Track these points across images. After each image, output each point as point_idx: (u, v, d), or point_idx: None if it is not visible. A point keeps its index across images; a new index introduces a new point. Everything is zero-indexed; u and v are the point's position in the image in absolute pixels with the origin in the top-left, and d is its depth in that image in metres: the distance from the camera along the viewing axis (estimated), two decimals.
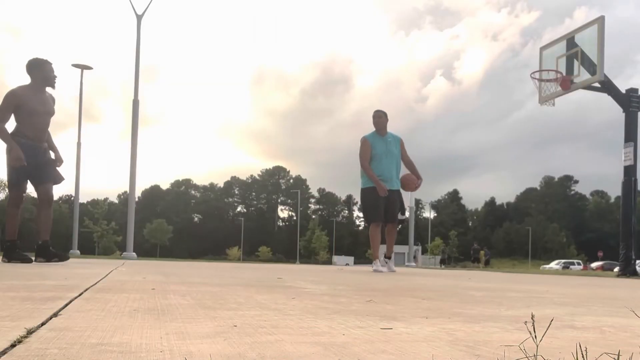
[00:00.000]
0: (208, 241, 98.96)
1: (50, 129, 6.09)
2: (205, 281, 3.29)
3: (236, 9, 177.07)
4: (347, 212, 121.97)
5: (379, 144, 7.24)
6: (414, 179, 7.39)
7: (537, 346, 0.96)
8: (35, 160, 5.79)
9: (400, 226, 7.64)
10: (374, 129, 7.36)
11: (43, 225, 5.90)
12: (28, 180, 5.90)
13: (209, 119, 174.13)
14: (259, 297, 2.19)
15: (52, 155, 6.10)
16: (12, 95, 5.78)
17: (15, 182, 5.79)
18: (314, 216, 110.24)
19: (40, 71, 5.92)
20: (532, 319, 0.99)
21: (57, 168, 6.11)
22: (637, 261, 10.90)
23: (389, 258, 7.49)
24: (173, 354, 0.95)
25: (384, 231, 7.44)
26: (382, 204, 7.16)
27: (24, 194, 5.99)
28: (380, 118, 7.31)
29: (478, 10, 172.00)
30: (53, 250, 5.91)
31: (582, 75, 10.90)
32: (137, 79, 16.57)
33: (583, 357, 0.94)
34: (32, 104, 5.82)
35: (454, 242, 72.18)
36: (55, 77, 6.08)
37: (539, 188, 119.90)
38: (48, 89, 6.03)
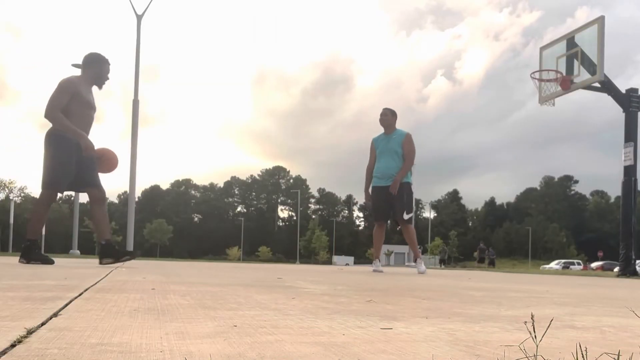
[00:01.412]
0: (208, 241, 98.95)
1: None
2: (205, 281, 3.29)
3: (236, 9, 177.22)
4: (347, 212, 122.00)
5: (382, 143, 7.23)
6: (108, 159, 5.73)
7: (537, 346, 0.95)
8: (83, 159, 5.42)
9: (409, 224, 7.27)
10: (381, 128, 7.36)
11: (102, 225, 5.50)
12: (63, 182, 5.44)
13: (209, 119, 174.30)
14: (259, 297, 2.19)
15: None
16: (69, 82, 5.39)
17: (55, 180, 5.35)
18: (314, 216, 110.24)
19: (98, 69, 5.62)
20: (532, 319, 1.00)
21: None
22: (637, 261, 10.92)
23: (415, 261, 7.21)
24: (173, 354, 0.95)
25: (388, 231, 7.40)
26: (381, 204, 7.12)
27: (60, 195, 5.50)
28: (385, 116, 7.26)
29: (480, 10, 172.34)
30: (119, 249, 5.49)
31: (582, 75, 10.91)
32: (137, 79, 16.57)
33: (583, 357, 0.94)
34: (85, 95, 5.47)
35: (454, 242, 72.19)
36: (108, 79, 5.77)
37: (539, 188, 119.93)
38: (94, 89, 5.73)
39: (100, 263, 5.41)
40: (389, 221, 7.58)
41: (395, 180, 6.98)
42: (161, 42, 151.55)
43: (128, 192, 17.05)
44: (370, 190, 7.33)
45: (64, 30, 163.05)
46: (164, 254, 76.96)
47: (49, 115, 5.32)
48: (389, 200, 7.06)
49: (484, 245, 37.20)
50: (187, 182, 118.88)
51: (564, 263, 57.74)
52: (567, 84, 11.12)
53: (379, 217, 7.23)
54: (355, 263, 67.14)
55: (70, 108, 5.34)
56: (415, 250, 7.32)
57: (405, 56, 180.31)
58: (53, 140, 5.36)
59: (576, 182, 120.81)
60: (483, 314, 1.81)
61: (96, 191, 5.52)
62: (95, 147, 5.51)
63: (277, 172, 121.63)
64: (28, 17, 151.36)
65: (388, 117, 7.25)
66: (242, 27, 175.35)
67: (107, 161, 5.66)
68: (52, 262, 5.40)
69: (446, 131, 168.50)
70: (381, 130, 7.30)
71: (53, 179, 5.35)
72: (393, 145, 7.15)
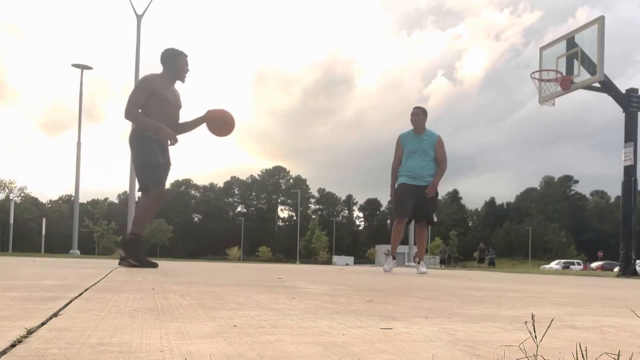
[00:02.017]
0: (208, 241, 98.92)
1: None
2: (205, 281, 3.29)
3: (236, 9, 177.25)
4: (347, 212, 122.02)
5: (411, 142, 7.17)
6: (222, 119, 5.48)
7: (537, 346, 0.95)
8: (164, 160, 5.34)
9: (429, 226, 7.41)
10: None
11: (143, 220, 5.50)
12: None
13: None
14: (259, 297, 2.19)
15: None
16: (145, 80, 5.34)
17: (158, 179, 5.27)
18: (314, 216, 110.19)
19: (174, 62, 5.47)
20: (532, 319, 0.99)
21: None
22: (637, 261, 10.91)
23: (418, 263, 7.28)
24: (173, 354, 0.95)
25: (404, 230, 7.42)
26: (408, 200, 7.08)
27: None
28: (417, 116, 7.18)
29: (480, 10, 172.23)
30: (139, 252, 5.47)
31: (582, 75, 10.90)
32: (137, 79, 16.58)
33: (583, 357, 0.94)
34: (165, 92, 5.34)
35: (454, 242, 72.14)
36: (188, 70, 5.55)
37: (539, 188, 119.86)
38: (177, 84, 5.58)
39: (117, 250, 5.37)
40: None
41: (433, 183, 7.04)
42: (161, 42, 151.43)
43: (128, 192, 17.06)
44: (396, 187, 7.29)
45: (64, 30, 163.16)
46: (164, 254, 76.90)
47: (127, 114, 5.22)
48: (420, 201, 7.05)
49: (484, 245, 37.17)
50: (187, 182, 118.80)
51: (564, 263, 57.69)
52: (567, 84, 11.11)
53: (405, 214, 7.19)
54: (355, 263, 67.18)
55: (148, 106, 5.25)
56: (422, 252, 7.37)
57: (405, 56, 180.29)
58: (136, 143, 5.28)
59: (576, 182, 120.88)
60: (483, 314, 1.81)
61: (160, 190, 5.42)
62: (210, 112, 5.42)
63: (277, 172, 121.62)
64: (28, 17, 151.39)
65: (420, 117, 7.19)
66: (242, 27, 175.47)
67: (223, 120, 5.45)
68: (155, 266, 5.38)
69: (446, 131, 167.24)
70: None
71: (155, 177, 5.26)
72: (424, 146, 7.11)
